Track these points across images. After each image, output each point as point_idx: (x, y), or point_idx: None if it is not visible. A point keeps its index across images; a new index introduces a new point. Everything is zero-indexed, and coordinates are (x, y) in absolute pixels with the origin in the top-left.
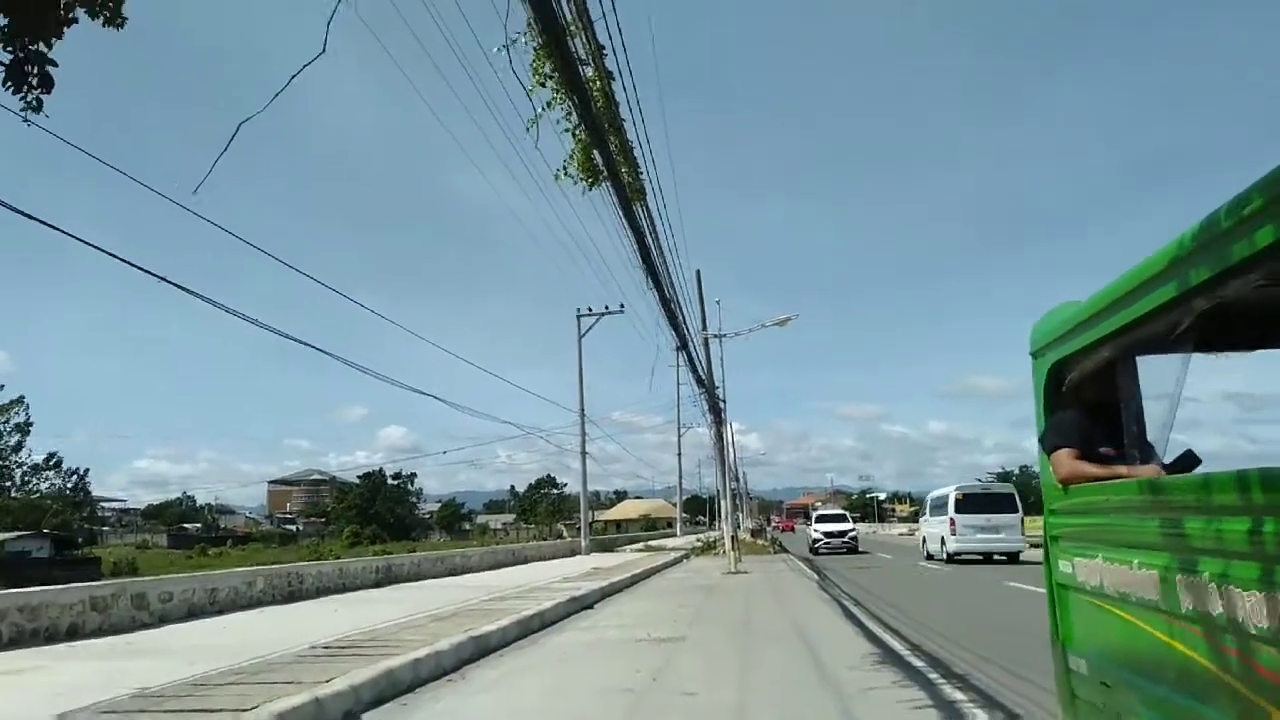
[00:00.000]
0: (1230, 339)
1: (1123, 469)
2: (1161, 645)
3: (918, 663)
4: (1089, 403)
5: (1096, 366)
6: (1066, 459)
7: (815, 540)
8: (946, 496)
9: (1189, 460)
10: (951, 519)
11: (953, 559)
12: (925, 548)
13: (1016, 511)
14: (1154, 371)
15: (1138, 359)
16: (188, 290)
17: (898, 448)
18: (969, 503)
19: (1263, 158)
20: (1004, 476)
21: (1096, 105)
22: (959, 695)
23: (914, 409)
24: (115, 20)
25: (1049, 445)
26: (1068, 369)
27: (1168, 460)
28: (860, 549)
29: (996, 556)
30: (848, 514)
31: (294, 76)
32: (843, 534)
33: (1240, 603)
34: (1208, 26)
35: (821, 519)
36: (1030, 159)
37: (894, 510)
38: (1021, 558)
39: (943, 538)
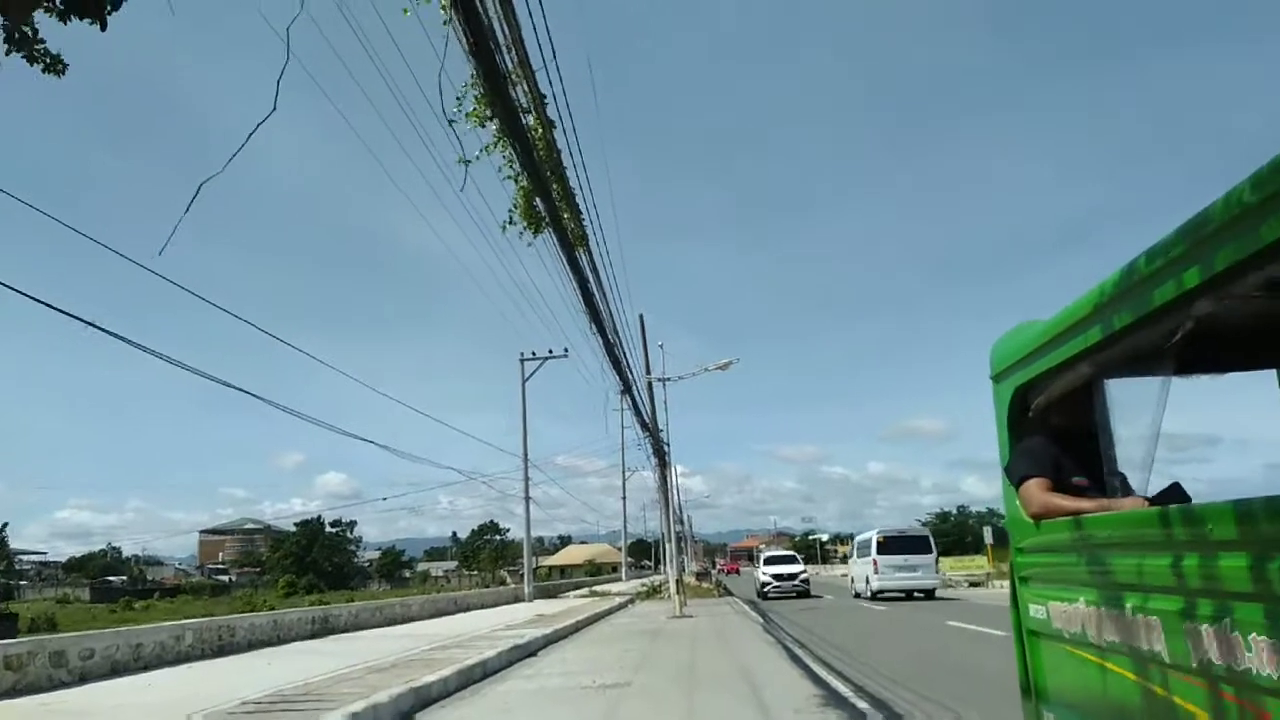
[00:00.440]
0: (1214, 359)
1: (1101, 501)
2: (1154, 699)
3: (861, 704)
4: (1057, 429)
5: (1065, 390)
6: (1038, 491)
7: (764, 584)
8: (870, 540)
9: (1176, 494)
10: (874, 560)
11: (876, 596)
12: (854, 586)
13: (931, 552)
14: (1128, 396)
15: (1109, 382)
16: (115, 335)
17: (839, 489)
18: (889, 545)
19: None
20: (943, 517)
21: (1031, 150)
22: None
23: (854, 451)
24: (55, 68)
25: (1016, 476)
26: (1033, 393)
27: (1150, 494)
28: (812, 592)
29: (916, 594)
30: (797, 555)
31: (250, 135)
32: (793, 576)
33: (1245, 649)
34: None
35: (771, 560)
36: (967, 201)
37: (836, 551)
38: (937, 594)
39: (867, 577)
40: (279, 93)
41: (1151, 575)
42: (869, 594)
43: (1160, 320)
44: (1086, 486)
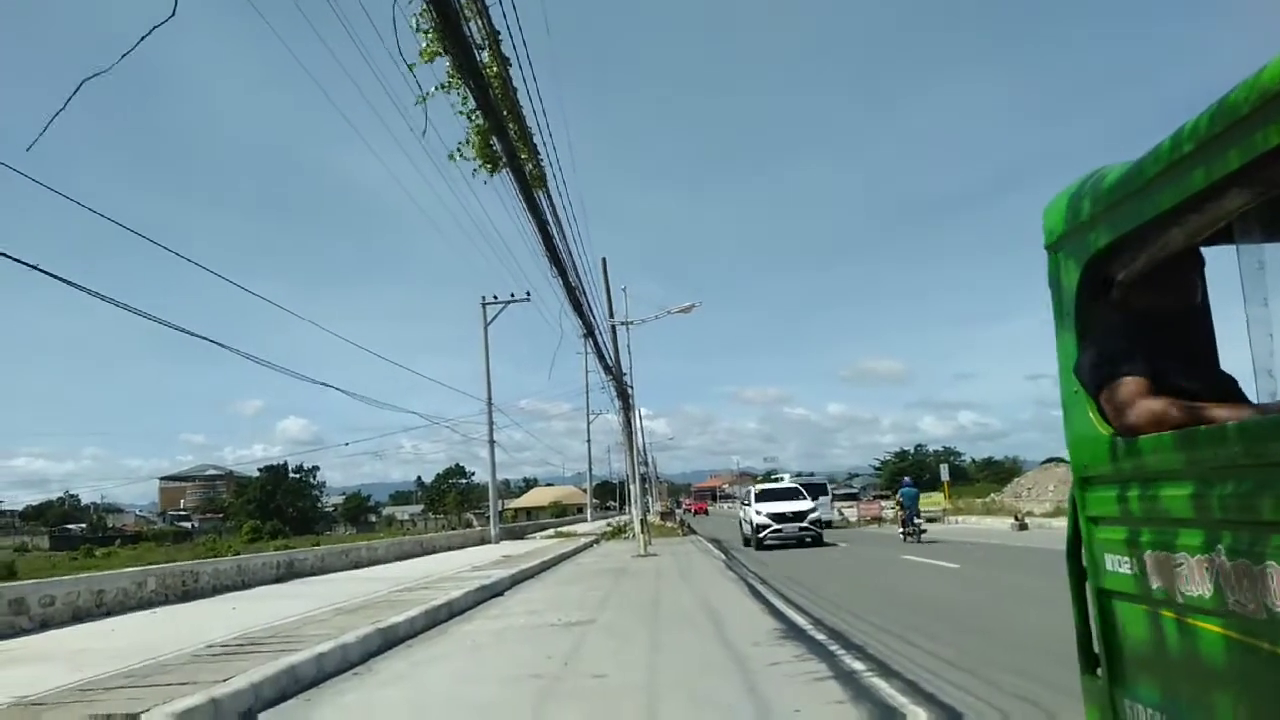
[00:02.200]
0: None
1: (1231, 408)
2: None
3: (819, 636)
4: (1152, 312)
5: (1164, 258)
6: (1137, 394)
7: (760, 529)
8: (750, 491)
9: None
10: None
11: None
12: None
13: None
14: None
15: (1235, 246)
16: (65, 280)
17: (800, 429)
18: (765, 495)
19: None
20: (901, 455)
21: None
22: (858, 665)
23: (815, 392)
24: None
25: (1099, 374)
26: (1116, 263)
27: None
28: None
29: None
30: (802, 490)
31: (143, 38)
32: (800, 516)
33: None
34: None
35: (766, 496)
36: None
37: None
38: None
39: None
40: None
41: None
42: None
43: None
44: (1197, 390)
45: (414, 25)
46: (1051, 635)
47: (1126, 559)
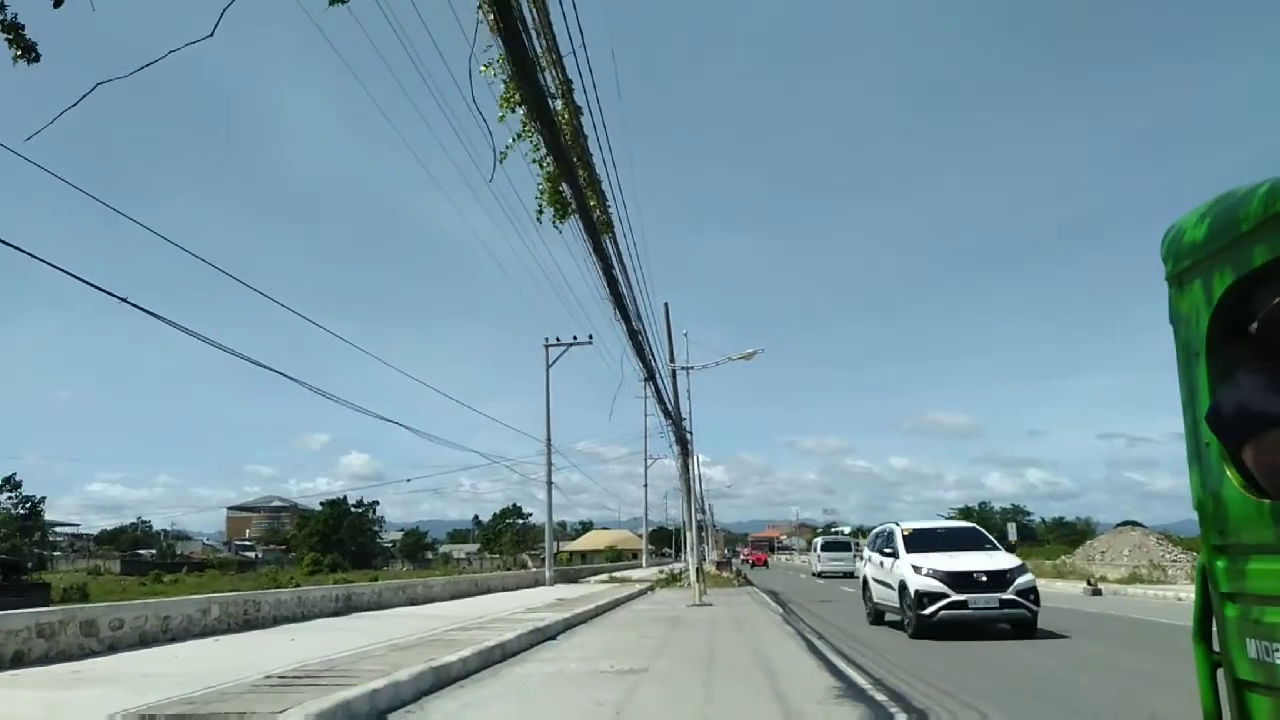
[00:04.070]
0: None
1: None
2: None
3: (880, 697)
4: None
5: None
6: None
7: (927, 599)
8: (817, 542)
9: None
10: (818, 554)
11: (818, 575)
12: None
13: (851, 550)
14: None
15: None
16: (148, 312)
17: (861, 482)
18: (827, 546)
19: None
20: (966, 513)
21: (1060, 146)
22: None
23: (876, 444)
24: (29, 55)
25: (1243, 425)
26: (1260, 296)
27: None
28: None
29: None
30: (850, 542)
31: (171, 51)
32: (1000, 581)
33: None
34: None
35: (923, 543)
36: (996, 195)
37: (858, 543)
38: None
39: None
40: (220, 20)
41: None
42: (816, 572)
43: None
44: None
45: (486, 70)
46: (1127, 708)
47: (1277, 646)
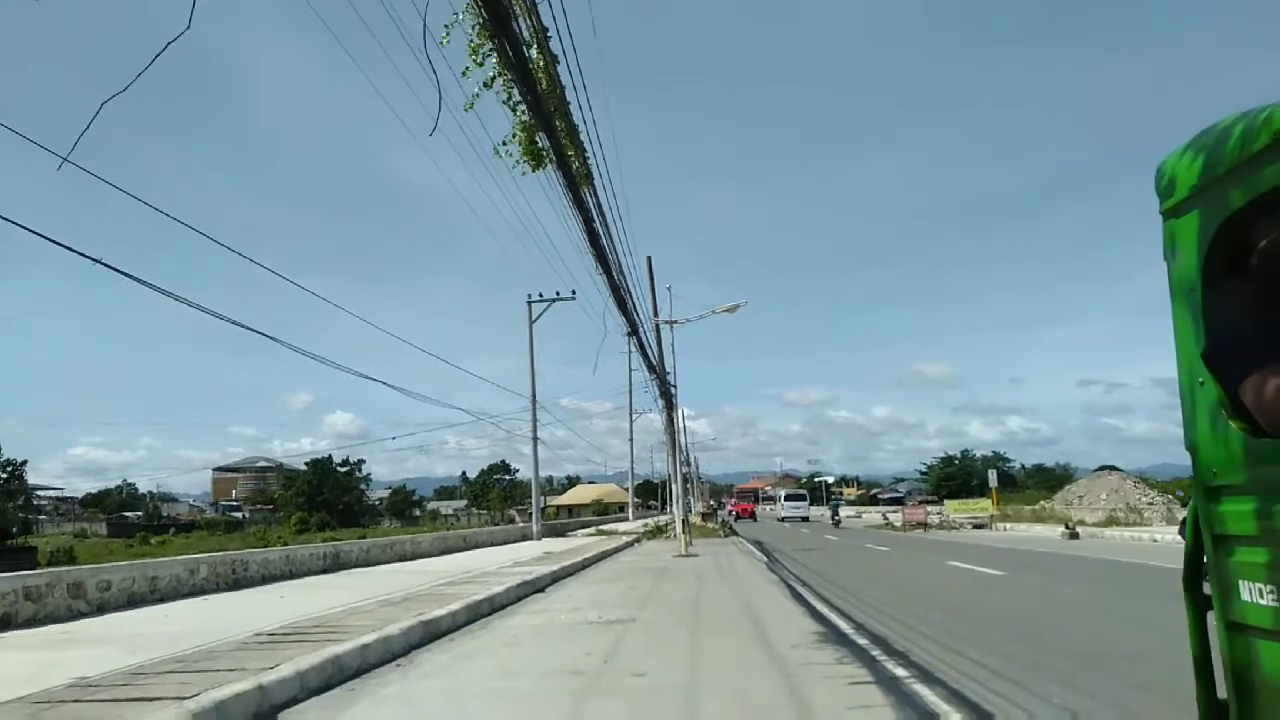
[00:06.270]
0: None
1: None
2: None
3: (861, 640)
4: None
5: None
6: None
7: (783, 518)
8: (781, 494)
9: None
10: (782, 504)
11: (781, 520)
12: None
13: (807, 500)
14: None
15: None
16: (125, 274)
17: (844, 432)
18: (789, 497)
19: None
20: (947, 461)
21: (1044, 97)
22: (899, 671)
23: (859, 395)
24: None
25: (1240, 361)
26: (1260, 227)
27: None
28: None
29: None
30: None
31: (158, 55)
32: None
33: None
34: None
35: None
36: (978, 147)
37: (841, 493)
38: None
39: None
40: (194, 11)
41: None
42: (779, 518)
43: None
44: None
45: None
46: (1107, 646)
47: (1270, 588)
